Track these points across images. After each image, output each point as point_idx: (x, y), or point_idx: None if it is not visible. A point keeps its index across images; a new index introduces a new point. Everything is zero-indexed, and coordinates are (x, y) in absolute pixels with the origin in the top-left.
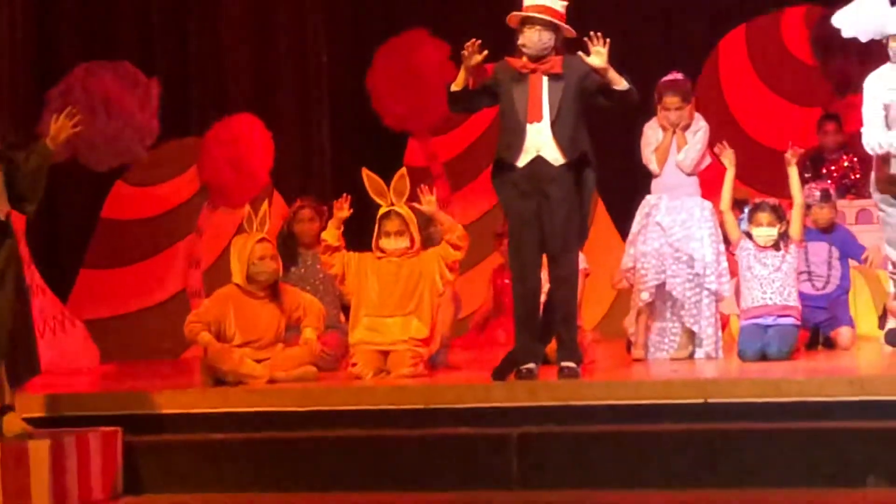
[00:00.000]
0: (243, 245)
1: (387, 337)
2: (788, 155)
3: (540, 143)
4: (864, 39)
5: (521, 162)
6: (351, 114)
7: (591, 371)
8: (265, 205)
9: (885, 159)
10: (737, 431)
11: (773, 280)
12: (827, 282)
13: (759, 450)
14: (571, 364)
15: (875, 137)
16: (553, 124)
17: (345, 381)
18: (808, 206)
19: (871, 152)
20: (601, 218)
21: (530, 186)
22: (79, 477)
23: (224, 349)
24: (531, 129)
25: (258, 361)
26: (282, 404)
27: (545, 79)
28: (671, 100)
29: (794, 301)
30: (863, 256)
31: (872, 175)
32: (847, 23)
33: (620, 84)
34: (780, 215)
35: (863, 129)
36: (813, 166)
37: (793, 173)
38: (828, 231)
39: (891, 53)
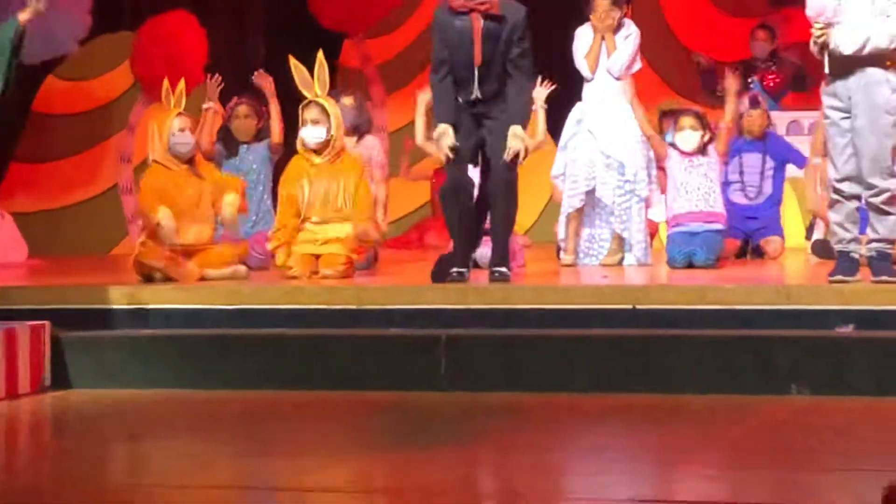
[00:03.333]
0: (162, 119)
1: (322, 238)
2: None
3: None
4: None
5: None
6: (287, 13)
7: (522, 276)
8: (181, 83)
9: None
10: (664, 337)
11: (699, 187)
12: (759, 191)
13: (685, 356)
14: (503, 269)
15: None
16: (482, 66)
17: (275, 279)
18: (739, 116)
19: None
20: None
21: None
22: (6, 370)
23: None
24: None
25: (189, 257)
26: (211, 301)
27: (481, 20)
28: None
29: (719, 207)
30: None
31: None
32: None
33: None
34: (702, 121)
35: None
36: (744, 74)
37: (729, 95)
38: (761, 139)
39: None
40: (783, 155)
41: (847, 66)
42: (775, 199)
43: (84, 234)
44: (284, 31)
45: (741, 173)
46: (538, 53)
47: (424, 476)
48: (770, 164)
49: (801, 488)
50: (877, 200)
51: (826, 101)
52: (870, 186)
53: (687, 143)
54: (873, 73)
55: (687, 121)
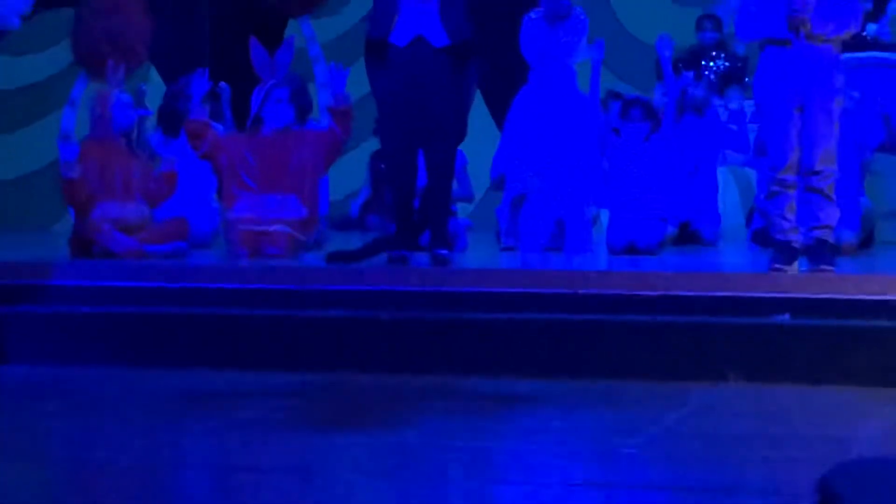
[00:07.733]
0: (104, 95)
1: (265, 216)
2: None
3: (423, 22)
4: None
5: (401, 41)
6: None
7: (463, 259)
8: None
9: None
10: (603, 323)
11: (640, 173)
12: (696, 166)
13: (623, 341)
14: (444, 251)
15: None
16: (442, 4)
17: (216, 257)
18: (683, 92)
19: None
20: (478, 109)
21: (407, 71)
22: None
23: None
24: (416, 5)
25: (129, 234)
26: (151, 279)
27: None
28: None
29: (661, 197)
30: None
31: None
32: None
33: None
34: (650, 112)
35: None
36: (691, 63)
37: None
38: (700, 115)
39: None
40: (720, 133)
41: (808, 48)
42: (713, 185)
43: (24, 210)
44: (228, 10)
45: (680, 148)
46: (486, 39)
47: (354, 457)
48: (708, 139)
49: (734, 474)
50: (823, 186)
51: (778, 86)
52: (817, 173)
53: (635, 134)
54: (829, 58)
55: (635, 112)
